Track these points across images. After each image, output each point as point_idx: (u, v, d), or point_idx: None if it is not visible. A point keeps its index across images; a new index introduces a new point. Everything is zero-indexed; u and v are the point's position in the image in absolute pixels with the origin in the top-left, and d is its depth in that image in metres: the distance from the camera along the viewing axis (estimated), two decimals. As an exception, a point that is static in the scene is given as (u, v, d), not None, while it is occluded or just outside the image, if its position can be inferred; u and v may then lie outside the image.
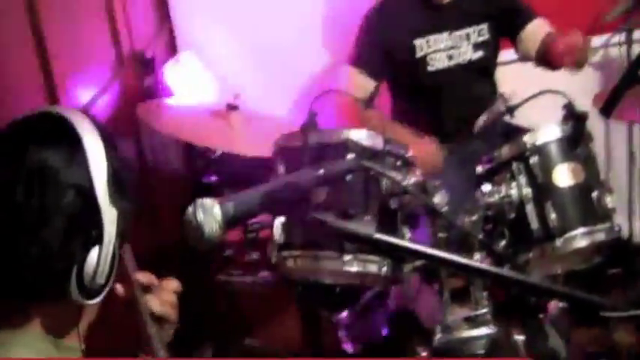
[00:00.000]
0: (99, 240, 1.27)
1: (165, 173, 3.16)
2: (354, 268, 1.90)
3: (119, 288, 1.56)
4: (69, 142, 1.27)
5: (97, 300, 1.30)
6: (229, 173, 2.83)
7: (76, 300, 1.26)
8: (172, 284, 1.58)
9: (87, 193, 1.26)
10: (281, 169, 2.02)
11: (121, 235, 1.35)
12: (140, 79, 2.96)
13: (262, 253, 2.70)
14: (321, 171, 1.15)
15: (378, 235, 1.14)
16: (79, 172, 1.26)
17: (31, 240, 1.22)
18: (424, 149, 2.50)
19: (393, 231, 1.91)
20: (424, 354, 1.90)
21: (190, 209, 1.12)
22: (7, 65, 1.81)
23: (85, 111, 1.35)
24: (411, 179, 1.88)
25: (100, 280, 1.28)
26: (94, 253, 1.26)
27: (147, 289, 1.54)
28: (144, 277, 1.54)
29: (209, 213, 1.11)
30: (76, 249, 1.25)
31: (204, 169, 2.91)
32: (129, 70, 2.84)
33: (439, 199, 1.86)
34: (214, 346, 2.86)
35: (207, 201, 1.13)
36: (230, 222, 1.11)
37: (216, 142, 2.70)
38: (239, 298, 2.76)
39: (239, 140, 2.68)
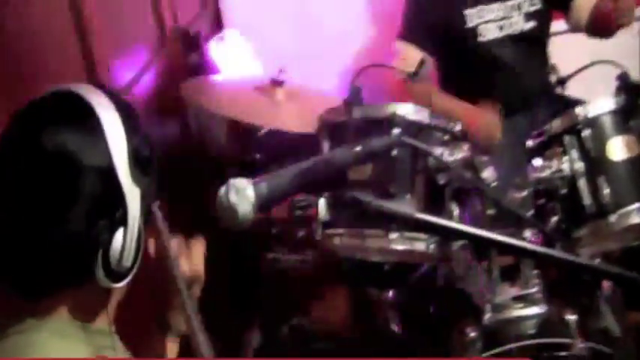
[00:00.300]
0: (123, 221, 1.23)
1: (211, 151, 3.14)
2: (400, 247, 1.86)
3: (151, 246, 1.55)
4: (86, 121, 1.23)
5: (125, 282, 1.28)
6: (275, 150, 2.80)
7: (103, 284, 1.24)
8: (200, 245, 1.56)
9: (108, 173, 1.22)
10: (325, 145, 1.98)
11: (146, 214, 1.32)
12: (185, 56, 2.94)
13: (310, 231, 2.66)
14: (359, 148, 1.10)
15: (420, 215, 1.09)
16: (98, 153, 1.22)
17: (53, 226, 1.19)
18: (480, 119, 2.45)
19: (440, 207, 1.87)
20: (473, 334, 1.84)
21: (223, 190, 1.09)
22: (46, 44, 1.79)
23: (103, 86, 1.31)
24: (459, 155, 1.82)
25: (127, 262, 1.25)
26: (119, 235, 1.23)
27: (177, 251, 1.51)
28: (176, 240, 1.53)
29: (242, 194, 1.07)
30: (100, 232, 1.21)
31: (250, 146, 2.88)
32: (173, 47, 2.82)
33: (487, 174, 1.81)
34: (263, 325, 2.84)
35: (240, 181, 1.09)
36: (264, 203, 1.08)
37: (262, 119, 2.66)
38: (287, 277, 2.73)
39: (284, 116, 2.64)
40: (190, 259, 1.54)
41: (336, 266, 2.56)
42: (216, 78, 2.92)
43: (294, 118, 2.60)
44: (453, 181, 1.84)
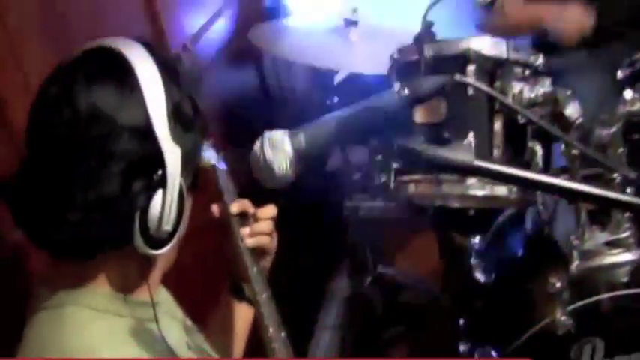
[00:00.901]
0: (162, 183, 1.15)
1: (289, 97, 3.06)
2: (479, 192, 1.73)
3: (215, 210, 1.48)
4: (121, 77, 1.15)
5: (165, 250, 1.20)
6: (352, 94, 2.69)
7: (142, 251, 1.17)
8: (268, 211, 1.47)
9: (144, 131, 1.14)
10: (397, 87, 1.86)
11: (192, 175, 1.24)
12: (256, 0, 2.85)
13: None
14: (406, 91, 0.99)
15: (479, 163, 0.98)
16: (134, 110, 1.14)
17: (87, 187, 1.12)
18: (569, 15, 2.28)
19: (522, 148, 1.73)
20: (558, 284, 1.71)
21: (257, 144, 1.00)
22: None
23: (142, 39, 1.22)
24: (540, 90, 1.68)
25: (167, 226, 1.17)
26: (157, 198, 1.15)
27: (242, 217, 1.45)
28: (238, 205, 1.45)
29: (279, 148, 0.98)
30: (137, 194, 1.14)
31: (327, 90, 2.78)
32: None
33: (571, 110, 1.65)
34: (349, 275, 2.78)
35: (276, 134, 1.00)
36: (303, 157, 0.99)
37: (336, 62, 2.55)
38: (370, 225, 2.64)
39: (359, 58, 2.53)
40: (255, 227, 1.46)
41: (421, 212, 2.44)
42: (290, 21, 2.82)
43: (369, 60, 2.48)
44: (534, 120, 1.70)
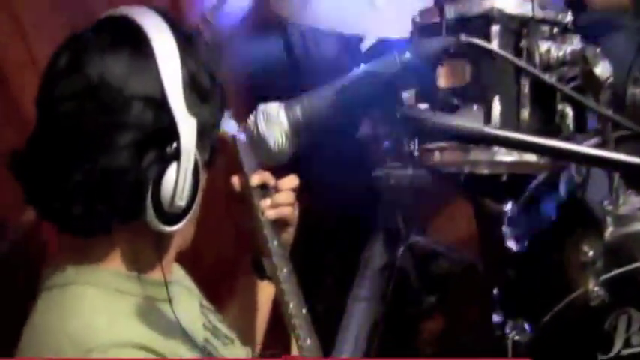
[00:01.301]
0: (176, 155, 1.10)
1: (316, 66, 2.98)
2: (507, 158, 1.65)
3: (235, 182, 1.44)
4: (135, 46, 1.12)
5: (179, 226, 1.15)
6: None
7: (154, 227, 1.12)
8: (289, 182, 1.44)
9: (158, 102, 1.10)
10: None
11: (209, 149, 1.19)
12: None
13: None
14: (408, 55, 0.92)
15: (488, 130, 0.91)
16: (147, 80, 1.10)
17: (98, 158, 1.09)
18: None
19: (552, 109, 1.65)
20: (591, 253, 1.63)
21: (251, 118, 0.94)
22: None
23: (159, 9, 1.18)
24: (568, 48, 1.59)
25: (180, 202, 1.12)
26: (171, 171, 1.10)
27: (263, 189, 1.42)
28: (258, 177, 1.41)
29: (274, 121, 0.93)
30: (149, 167, 1.10)
31: (355, 57, 2.71)
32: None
33: (602, 68, 1.56)
34: (382, 245, 2.72)
35: (271, 107, 0.94)
36: (299, 129, 0.92)
37: (363, 27, 2.48)
38: (402, 193, 2.57)
39: (386, 22, 2.45)
40: (276, 199, 1.42)
41: (453, 178, 2.37)
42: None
43: (396, 24, 2.39)
44: (563, 79, 1.62)
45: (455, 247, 2.58)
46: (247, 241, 1.51)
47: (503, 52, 0.93)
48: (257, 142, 0.93)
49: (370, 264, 2.70)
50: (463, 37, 0.91)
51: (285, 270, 1.38)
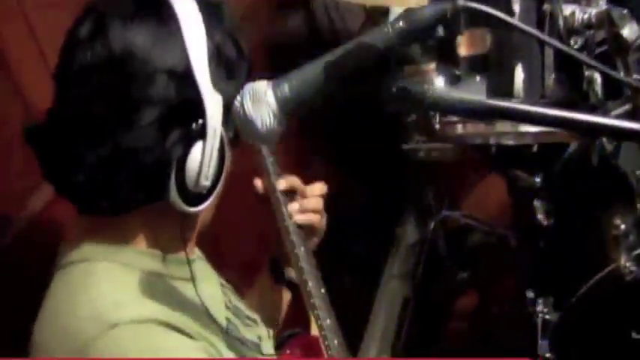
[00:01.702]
0: (202, 133, 1.05)
1: (342, 41, 2.92)
2: (533, 127, 1.59)
3: (258, 184, 1.40)
4: (159, 17, 1.06)
5: (203, 207, 1.10)
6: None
7: (178, 207, 1.07)
8: (317, 188, 1.41)
9: (183, 76, 1.04)
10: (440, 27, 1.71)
11: (234, 126, 1.12)
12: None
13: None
14: (401, 23, 0.86)
15: (493, 102, 0.85)
16: (172, 53, 1.05)
17: (118, 136, 1.04)
18: None
19: (579, 75, 1.58)
20: (623, 227, 1.56)
21: (238, 98, 0.88)
22: None
23: None
24: (592, 11, 1.52)
25: (206, 182, 1.07)
26: (196, 150, 1.05)
27: (290, 194, 1.39)
28: (285, 182, 1.38)
29: (261, 100, 0.87)
30: (173, 145, 1.04)
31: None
32: None
33: (629, 30, 1.49)
34: (414, 218, 2.67)
35: (259, 85, 0.88)
36: (288, 107, 0.87)
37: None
38: (432, 168, 2.50)
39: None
40: (307, 204, 1.39)
41: (483, 151, 2.30)
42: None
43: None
44: (590, 44, 1.55)
45: (487, 222, 2.50)
46: (268, 243, 1.49)
47: (504, 16, 0.85)
48: (244, 122, 0.88)
49: (402, 240, 2.65)
50: (461, 2, 0.83)
51: (302, 249, 1.35)
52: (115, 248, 1.13)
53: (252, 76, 1.14)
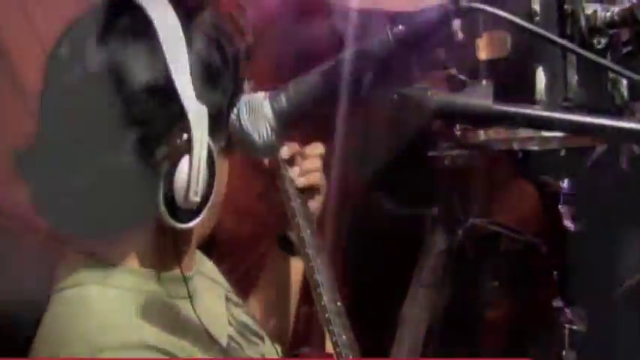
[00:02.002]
0: (187, 148, 1.02)
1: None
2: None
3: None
4: (136, 33, 1.04)
5: (194, 224, 1.07)
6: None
7: (169, 225, 1.05)
8: (316, 149, 1.42)
9: (164, 91, 1.02)
10: (455, 23, 1.68)
11: (226, 135, 1.09)
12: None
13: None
14: (400, 27, 0.82)
15: (499, 107, 0.81)
16: (151, 68, 1.03)
17: (103, 156, 1.03)
18: None
19: (600, 76, 1.53)
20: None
21: (234, 110, 0.85)
22: None
23: None
24: (615, 9, 1.47)
25: (195, 197, 1.04)
26: (183, 164, 1.02)
27: (290, 161, 1.40)
28: (288, 149, 1.38)
29: (257, 112, 0.84)
30: (159, 162, 1.02)
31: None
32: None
33: (654, 28, 1.43)
34: (442, 226, 2.61)
35: (255, 97, 0.85)
36: (286, 119, 0.84)
37: (412, 4, 2.36)
38: (458, 174, 2.45)
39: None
40: (303, 166, 1.40)
41: (509, 156, 2.26)
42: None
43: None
44: (615, 43, 1.50)
45: (517, 229, 2.45)
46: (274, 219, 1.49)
47: (509, 16, 0.81)
48: (241, 135, 0.85)
49: (431, 249, 2.60)
50: (464, 2, 0.80)
51: (310, 249, 1.35)
52: (108, 271, 1.12)
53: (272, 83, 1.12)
